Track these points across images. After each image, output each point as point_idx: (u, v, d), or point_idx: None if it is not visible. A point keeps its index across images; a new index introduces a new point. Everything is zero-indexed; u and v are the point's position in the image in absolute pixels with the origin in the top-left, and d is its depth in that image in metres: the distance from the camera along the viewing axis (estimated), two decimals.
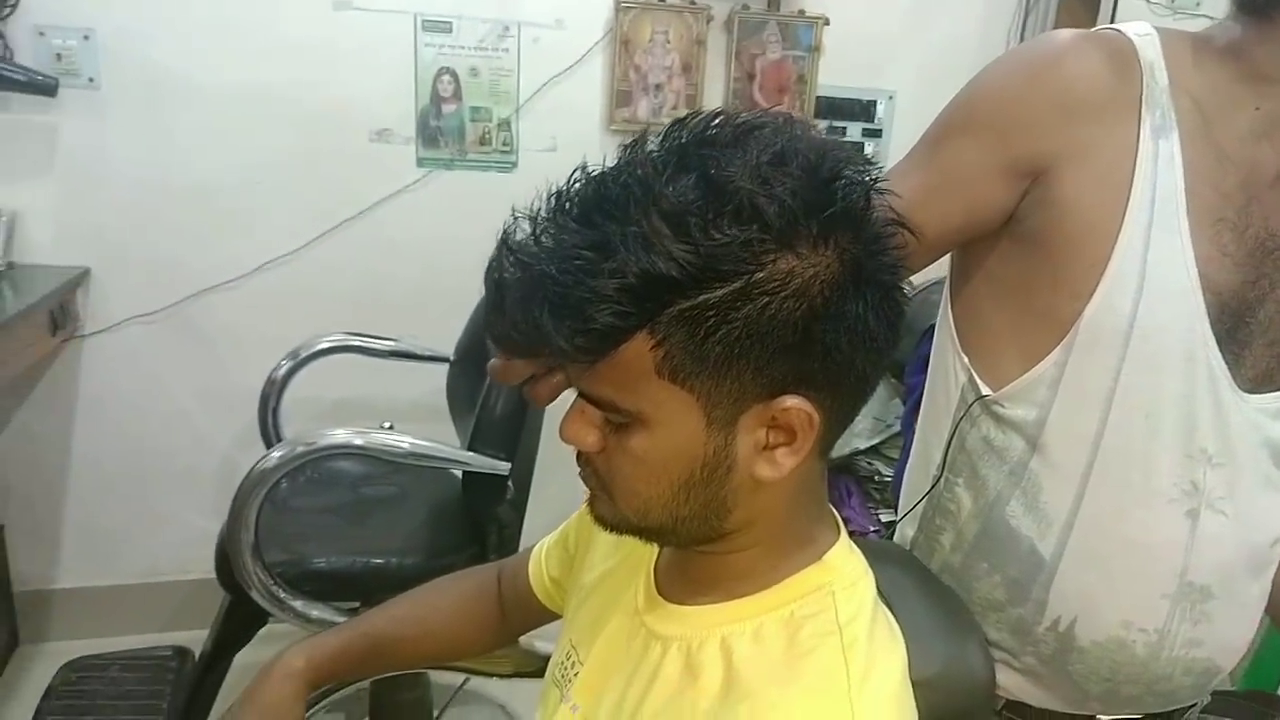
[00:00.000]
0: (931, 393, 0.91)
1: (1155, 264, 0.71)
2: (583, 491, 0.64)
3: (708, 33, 2.17)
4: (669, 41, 2.16)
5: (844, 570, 0.61)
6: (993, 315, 0.81)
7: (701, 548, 0.62)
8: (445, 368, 2.02)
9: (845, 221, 0.51)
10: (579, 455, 0.61)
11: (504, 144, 2.16)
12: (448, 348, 2.00)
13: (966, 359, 0.83)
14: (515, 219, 0.53)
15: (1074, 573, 0.77)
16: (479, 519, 1.66)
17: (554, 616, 0.88)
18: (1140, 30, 0.76)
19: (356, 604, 1.56)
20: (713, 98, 2.23)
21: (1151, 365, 0.72)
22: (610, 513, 0.61)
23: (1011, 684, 0.84)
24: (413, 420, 2.19)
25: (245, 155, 2.03)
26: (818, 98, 2.29)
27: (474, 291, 2.20)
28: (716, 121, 0.52)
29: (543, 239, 0.52)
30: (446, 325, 1.98)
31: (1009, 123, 0.75)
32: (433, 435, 1.64)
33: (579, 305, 0.48)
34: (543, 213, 0.52)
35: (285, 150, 2.05)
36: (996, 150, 0.75)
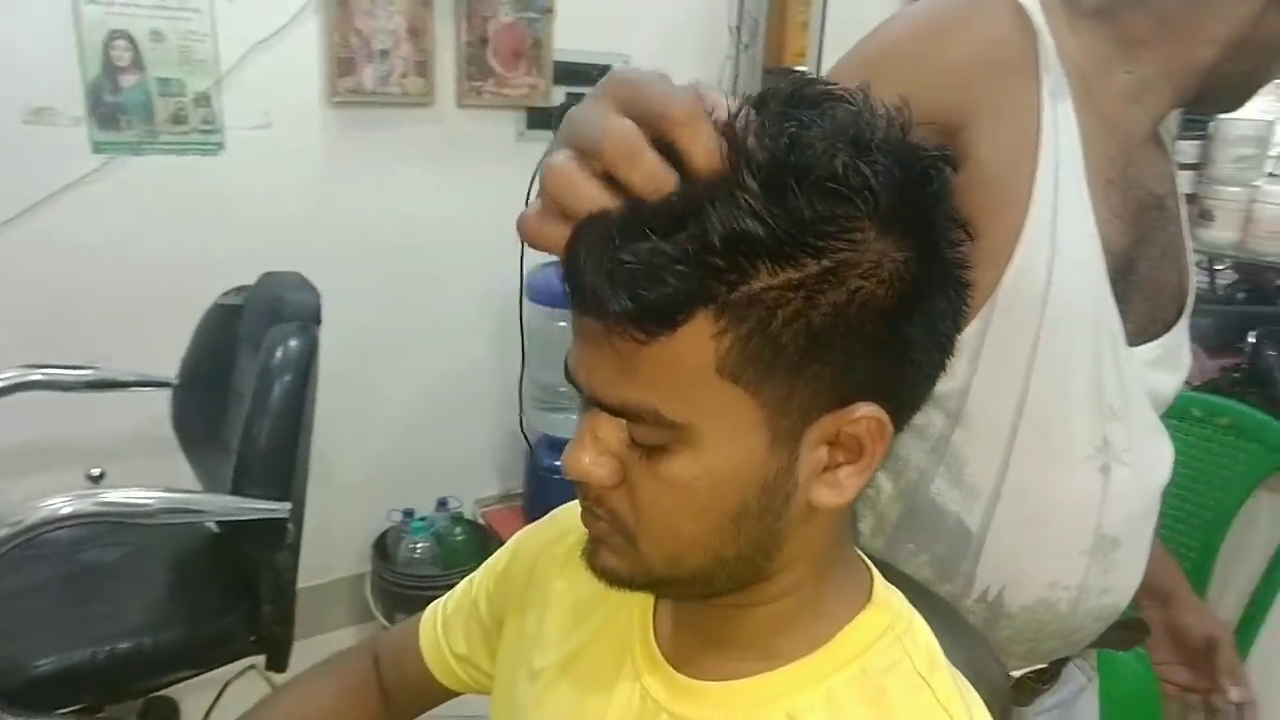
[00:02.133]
0: None
1: (1064, 229, 0.71)
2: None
3: None
4: (391, 2, 1.94)
5: (897, 607, 0.54)
6: None
7: (725, 599, 0.51)
8: (164, 393, 1.69)
9: (935, 204, 0.44)
10: (586, 495, 0.49)
11: (205, 122, 1.83)
12: (164, 368, 1.69)
13: None
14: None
15: (1001, 542, 0.77)
16: (246, 568, 1.41)
17: (454, 694, 0.74)
18: None
19: (103, 705, 1.26)
20: (445, 64, 2.05)
21: (1066, 329, 0.73)
22: (627, 564, 0.49)
23: None
24: (127, 460, 1.83)
25: None
26: (555, 63, 2.19)
27: (190, 299, 1.87)
28: (805, 83, 0.44)
29: None
30: (159, 342, 1.67)
31: (925, 76, 0.70)
32: (155, 475, 1.36)
33: (643, 262, 0.40)
34: None
35: None
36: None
